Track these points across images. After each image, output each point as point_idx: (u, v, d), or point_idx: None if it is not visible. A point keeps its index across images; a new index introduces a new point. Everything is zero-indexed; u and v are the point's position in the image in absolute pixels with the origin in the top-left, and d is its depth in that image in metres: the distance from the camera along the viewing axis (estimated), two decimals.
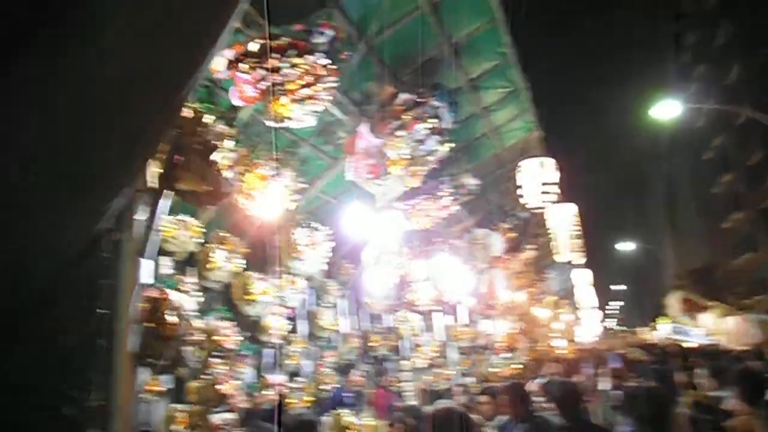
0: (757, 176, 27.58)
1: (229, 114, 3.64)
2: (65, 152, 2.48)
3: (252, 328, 6.22)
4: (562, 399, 3.65)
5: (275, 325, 6.23)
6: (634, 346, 13.99)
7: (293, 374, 6.96)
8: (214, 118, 3.09)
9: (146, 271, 2.91)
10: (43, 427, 2.49)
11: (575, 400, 3.66)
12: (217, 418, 4.06)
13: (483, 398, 4.82)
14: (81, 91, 2.43)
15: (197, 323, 4.02)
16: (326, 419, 5.93)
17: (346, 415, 5.67)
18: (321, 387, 7.29)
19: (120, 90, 2.48)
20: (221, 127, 3.18)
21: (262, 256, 6.80)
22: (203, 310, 5.56)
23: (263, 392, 5.99)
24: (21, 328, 2.56)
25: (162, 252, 5.17)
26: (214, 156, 2.97)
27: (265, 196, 5.13)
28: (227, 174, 3.13)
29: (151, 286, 3.68)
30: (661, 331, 24.03)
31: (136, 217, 2.88)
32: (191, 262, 5.62)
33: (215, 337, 4.59)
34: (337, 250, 8.53)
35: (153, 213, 2.90)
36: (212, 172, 2.95)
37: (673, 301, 23.25)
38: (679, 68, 38.27)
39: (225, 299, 6.05)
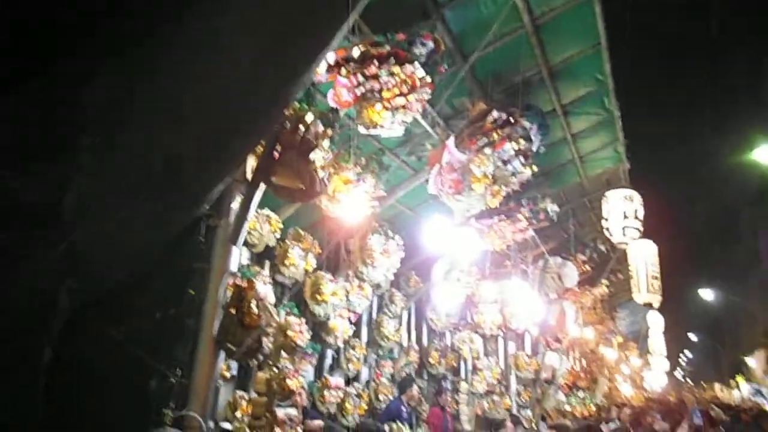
0: None
1: (328, 115, 3.72)
2: (167, 142, 2.62)
3: (318, 327, 6.30)
4: None
5: (340, 327, 6.28)
6: (709, 402, 12.95)
7: (352, 379, 6.98)
8: (313, 117, 3.17)
9: (235, 259, 3.01)
10: (125, 395, 2.62)
11: None
12: (282, 412, 4.12)
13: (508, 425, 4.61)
14: (197, 86, 2.57)
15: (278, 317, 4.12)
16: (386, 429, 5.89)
17: (406, 429, 5.59)
18: (379, 396, 7.27)
19: (232, 87, 2.60)
20: (321, 128, 3.26)
21: (336, 258, 6.90)
22: (274, 305, 5.72)
23: (323, 393, 6.05)
24: (118, 301, 2.72)
25: (244, 243, 5.38)
26: (312, 155, 3.04)
27: (347, 199, 5.20)
28: (321, 174, 3.19)
29: (236, 274, 3.83)
30: (741, 390, 22.12)
31: (232, 206, 2.99)
32: (268, 255, 5.79)
33: (289, 332, 4.68)
34: (407, 262, 8.54)
35: (248, 203, 3.00)
36: (308, 170, 3.02)
37: (756, 359, 21.38)
38: None
39: (295, 296, 6.18)
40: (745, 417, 7.46)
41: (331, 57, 4.31)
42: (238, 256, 3.14)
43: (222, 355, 2.86)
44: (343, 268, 6.51)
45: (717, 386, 30.55)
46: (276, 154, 3.03)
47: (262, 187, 3.11)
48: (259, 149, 3.09)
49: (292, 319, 4.90)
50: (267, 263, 5.84)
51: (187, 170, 2.67)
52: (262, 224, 5.38)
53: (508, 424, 6.41)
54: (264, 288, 3.02)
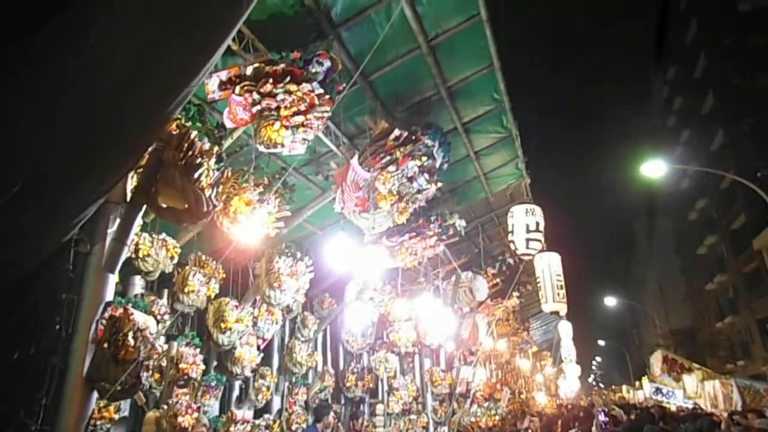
0: (741, 240, 27.91)
1: (215, 132, 3.57)
2: (37, 154, 2.38)
3: (223, 357, 5.98)
4: None
5: (247, 356, 6.00)
6: (616, 404, 13.73)
7: (261, 410, 6.67)
8: (197, 134, 3.01)
9: (111, 288, 2.76)
10: None
11: None
12: None
13: None
14: (69, 90, 2.36)
15: (161, 348, 3.82)
16: None
17: None
18: (292, 427, 7.00)
19: (105, 98, 2.41)
20: (206, 145, 3.10)
21: (243, 283, 6.63)
22: (174, 336, 5.37)
23: (230, 429, 5.71)
24: None
25: (135, 270, 5.01)
26: (197, 174, 2.87)
27: (249, 221, 5.02)
28: (209, 193, 3.03)
29: (114, 304, 3.53)
30: (644, 390, 23.68)
31: (109, 230, 2.75)
32: (165, 283, 5.45)
33: (181, 365, 4.37)
34: (320, 283, 8.38)
35: (127, 226, 2.77)
36: (193, 190, 2.85)
37: (655, 360, 23.03)
38: (668, 130, 39.29)
39: (197, 325, 5.85)
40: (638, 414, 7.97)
41: (223, 74, 4.19)
42: (114, 285, 2.87)
43: (94, 395, 2.58)
44: (250, 293, 6.25)
45: (624, 388, 32.61)
46: (159, 174, 2.83)
47: (143, 208, 2.89)
48: (139, 169, 2.88)
49: (185, 349, 4.60)
50: (165, 291, 5.50)
51: (54, 184, 2.42)
52: (157, 250, 5.06)
53: None
54: (143, 317, 2.78)
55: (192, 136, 2.95)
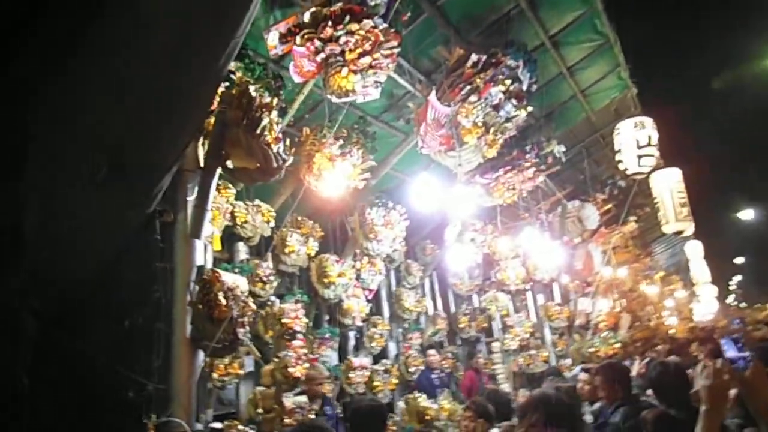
0: None
1: (273, 84, 3.47)
2: (106, 134, 2.42)
3: (332, 310, 6.16)
4: (664, 382, 3.15)
5: (356, 307, 6.12)
6: (759, 323, 12.47)
7: (378, 357, 6.85)
8: (255, 89, 2.93)
9: (200, 253, 2.83)
10: (105, 410, 2.49)
11: (680, 384, 3.14)
12: (290, 401, 4.00)
13: (582, 377, 4.37)
14: (114, 70, 2.35)
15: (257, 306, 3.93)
16: (401, 404, 5.74)
17: (422, 400, 5.42)
18: (410, 369, 7.14)
19: (154, 67, 2.38)
20: (266, 99, 3.02)
21: (338, 238, 6.73)
22: (281, 294, 5.59)
23: (349, 375, 5.93)
24: (81, 315, 2.57)
25: (236, 237, 5.23)
26: (260, 129, 2.81)
27: (334, 175, 4.98)
28: (276, 147, 2.97)
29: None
30: None
31: (188, 198, 2.79)
32: (268, 247, 5.65)
33: (284, 320, 4.53)
34: (419, 231, 8.30)
35: (205, 193, 2.79)
36: (260, 146, 2.80)
37: None
38: None
39: (304, 283, 6.04)
40: None
41: (282, 26, 4.06)
42: (204, 250, 2.96)
43: (199, 353, 2.71)
44: (348, 247, 6.32)
45: (762, 306, 29.64)
46: (224, 136, 2.81)
47: (217, 172, 2.90)
48: (208, 134, 2.88)
49: (286, 305, 4.75)
50: (268, 254, 5.71)
51: (131, 163, 2.48)
52: (254, 216, 5.23)
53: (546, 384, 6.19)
54: (232, 277, 2.84)
55: (250, 91, 2.88)
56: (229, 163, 2.93)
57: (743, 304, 46.18)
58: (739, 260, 44.09)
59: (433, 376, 7.05)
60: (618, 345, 7.54)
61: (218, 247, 4.64)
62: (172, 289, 2.67)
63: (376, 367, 6.33)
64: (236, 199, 5.04)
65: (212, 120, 2.92)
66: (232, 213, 4.94)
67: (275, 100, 3.20)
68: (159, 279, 2.63)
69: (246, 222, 5.08)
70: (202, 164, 2.90)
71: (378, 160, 6.20)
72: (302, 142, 5.20)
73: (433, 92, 5.17)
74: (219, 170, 2.93)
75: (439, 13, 5.19)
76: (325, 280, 5.64)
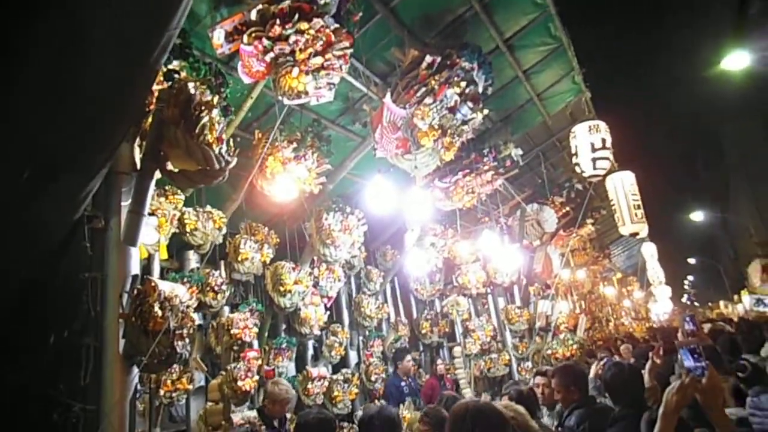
0: None
1: (214, 81, 3.32)
2: (29, 132, 2.22)
3: (289, 319, 5.98)
4: (618, 383, 3.13)
5: (314, 315, 5.95)
6: (713, 320, 12.90)
7: (339, 366, 6.69)
8: (194, 86, 2.77)
9: (136, 261, 2.64)
10: None
11: (634, 385, 3.13)
12: (239, 416, 3.81)
13: (538, 380, 4.32)
14: (45, 68, 2.17)
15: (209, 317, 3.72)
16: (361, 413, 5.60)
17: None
18: (371, 377, 7.00)
19: (86, 64, 2.20)
20: (207, 97, 2.86)
21: (296, 245, 6.55)
22: (236, 304, 5.38)
23: (307, 386, 5.75)
24: (9, 333, 2.35)
25: (186, 245, 5.01)
26: (198, 128, 2.65)
27: (287, 180, 4.83)
28: (219, 148, 2.81)
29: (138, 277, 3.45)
30: (744, 303, 22.24)
31: (123, 203, 2.60)
32: (220, 255, 5.44)
33: (233, 331, 4.33)
34: (379, 236, 8.21)
35: (141, 197, 2.61)
36: (200, 147, 2.63)
37: (754, 270, 21.41)
38: (750, 15, 35.09)
39: (259, 291, 5.85)
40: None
41: (228, 24, 3.90)
42: (138, 258, 2.76)
43: (134, 370, 2.51)
44: (305, 254, 6.15)
45: (722, 304, 30.82)
46: (162, 135, 2.63)
47: (155, 175, 2.72)
48: (145, 134, 2.70)
49: (235, 315, 4.56)
50: (221, 263, 5.50)
51: (59, 164, 2.28)
52: (204, 222, 5.02)
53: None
54: (170, 286, 2.65)
55: (189, 89, 2.72)
56: (169, 165, 2.75)
57: (696, 303, 47.99)
58: (692, 260, 45.80)
59: (402, 383, 6.91)
60: (575, 346, 7.61)
61: (165, 255, 4.43)
62: (103, 300, 2.47)
63: (335, 376, 6.17)
64: (185, 205, 4.83)
65: (149, 120, 2.75)
66: (180, 220, 4.72)
67: (216, 98, 3.03)
68: (88, 290, 2.43)
69: (196, 229, 4.87)
70: (138, 166, 2.72)
71: (335, 164, 6.09)
72: (254, 146, 5.04)
73: (388, 94, 5.10)
74: (157, 173, 2.75)
75: (392, 14, 5.12)
76: (281, 288, 5.46)
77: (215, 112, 2.81)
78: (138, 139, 2.77)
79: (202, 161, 2.63)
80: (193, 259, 5.08)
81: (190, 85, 2.73)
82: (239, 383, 4.01)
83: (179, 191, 4.75)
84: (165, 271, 4.82)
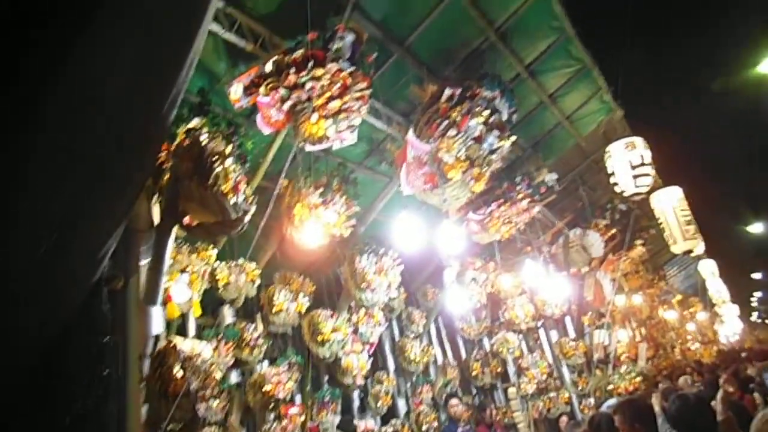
0: None
1: (226, 131, 3.31)
2: (44, 197, 2.21)
3: (331, 370, 5.80)
4: (685, 417, 2.80)
5: (355, 363, 5.76)
6: None
7: (387, 417, 6.41)
8: (208, 137, 2.76)
9: (158, 321, 2.57)
10: None
11: (702, 417, 2.79)
12: None
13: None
14: (60, 142, 2.18)
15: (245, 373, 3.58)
16: None
17: None
18: (422, 427, 6.66)
19: (99, 132, 2.20)
20: (218, 146, 2.84)
21: (333, 292, 6.44)
22: (274, 358, 5.26)
23: None
24: (24, 400, 2.28)
25: (220, 300, 4.97)
26: (212, 179, 2.61)
27: (317, 225, 4.77)
28: (234, 198, 2.76)
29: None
30: None
31: (142, 262, 2.56)
32: (255, 308, 5.37)
33: (265, 388, 4.18)
34: (418, 276, 8.01)
35: (159, 255, 2.56)
36: (214, 197, 2.59)
37: None
38: None
39: (298, 343, 5.72)
40: None
41: (245, 79, 3.96)
42: (160, 317, 2.70)
43: None
44: (342, 300, 6.02)
45: None
46: (178, 190, 2.61)
47: (173, 231, 2.69)
48: (161, 189, 2.68)
49: (266, 370, 4.42)
50: (258, 316, 5.42)
51: (75, 235, 2.26)
52: (237, 276, 4.99)
53: (563, 418, 5.73)
54: (192, 344, 2.56)
55: (200, 140, 2.71)
56: (187, 219, 2.72)
57: None
58: (757, 275, 43.05)
59: (459, 430, 6.51)
60: (638, 378, 7.02)
61: (199, 312, 4.38)
62: (123, 364, 2.39)
63: (384, 428, 5.89)
64: (217, 259, 4.82)
65: (166, 176, 2.75)
66: (212, 274, 4.70)
67: (229, 147, 3.02)
68: (108, 354, 2.36)
69: (228, 283, 4.84)
70: (155, 223, 2.69)
71: (364, 207, 6.02)
72: (281, 195, 5.04)
73: (411, 130, 5.03)
74: (176, 229, 2.72)
75: (408, 53, 5.12)
76: (319, 338, 5.32)
77: (229, 161, 2.78)
78: (155, 197, 2.77)
79: (217, 212, 2.58)
80: (228, 314, 5.02)
81: (203, 137, 2.72)
82: None
83: (210, 247, 4.75)
84: (201, 328, 4.77)
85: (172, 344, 2.45)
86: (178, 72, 2.32)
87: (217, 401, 4.24)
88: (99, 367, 2.32)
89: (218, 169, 2.64)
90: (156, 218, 2.74)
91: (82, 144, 2.18)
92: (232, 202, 2.69)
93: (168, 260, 2.67)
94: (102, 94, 2.14)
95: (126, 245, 2.54)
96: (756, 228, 31.05)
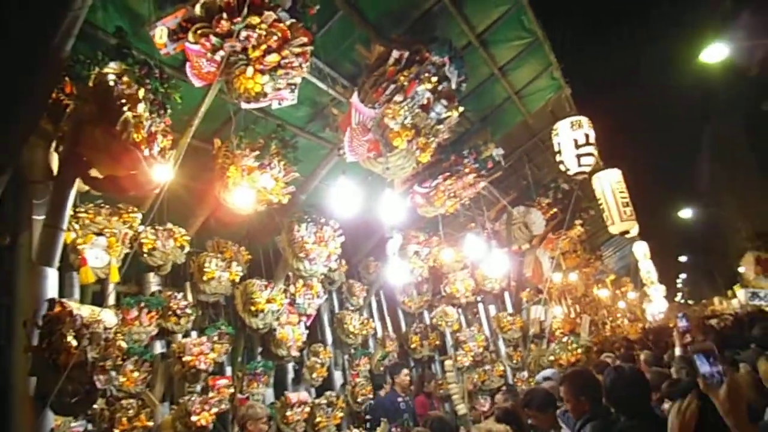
0: None
1: (136, 71, 2.96)
2: None
3: (264, 341, 5.58)
4: (619, 389, 2.79)
5: (291, 336, 5.56)
6: (708, 317, 12.63)
7: (322, 389, 6.28)
8: (114, 78, 2.43)
9: (53, 284, 2.26)
10: None
11: (637, 391, 2.80)
12: None
13: (527, 412, 3.84)
14: None
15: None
16: None
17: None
18: (358, 399, 6.58)
19: None
20: (128, 89, 2.51)
21: (272, 262, 6.18)
22: (202, 328, 4.99)
23: (286, 414, 5.33)
24: None
25: (146, 267, 4.63)
26: (120, 125, 2.30)
27: (248, 190, 4.48)
28: (149, 149, 2.45)
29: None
30: (739, 298, 22.05)
31: (35, 216, 2.23)
32: (184, 275, 5.06)
33: (185, 358, 3.93)
34: (360, 248, 7.85)
35: (58, 210, 2.24)
36: (124, 146, 2.29)
37: (747, 264, 21.23)
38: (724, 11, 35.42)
39: (231, 313, 5.46)
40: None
41: (170, 21, 3.57)
42: (55, 280, 2.39)
43: (48, 413, 2.13)
44: (279, 270, 5.78)
45: (716, 300, 30.68)
46: (81, 137, 2.28)
47: (75, 183, 2.36)
48: (61, 138, 2.34)
49: (187, 340, 4.17)
50: (187, 284, 5.11)
51: None
52: (164, 241, 4.65)
53: (499, 396, 5.79)
54: (90, 310, 2.29)
55: (107, 81, 2.38)
56: (93, 172, 2.40)
57: (690, 301, 47.93)
58: (683, 258, 45.79)
59: (399, 399, 6.43)
60: (580, 350, 7.18)
61: (116, 278, 4.02)
62: (9, 331, 2.09)
63: (318, 400, 5.76)
64: (141, 223, 4.45)
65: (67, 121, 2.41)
66: (136, 239, 4.34)
67: (142, 91, 2.69)
68: None
69: (154, 249, 4.50)
70: (55, 174, 2.36)
71: (306, 173, 5.76)
72: (214, 156, 4.71)
73: (355, 94, 4.79)
74: (79, 181, 2.40)
75: (354, 10, 4.82)
76: (252, 308, 5.07)
77: (141, 106, 2.46)
78: (55, 144, 2.43)
79: (127, 164, 2.28)
80: (153, 282, 4.69)
81: (110, 76, 2.39)
82: (193, 418, 3.60)
83: (134, 209, 4.38)
84: (122, 295, 4.43)
85: (67, 309, 2.16)
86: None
87: (137, 373, 4.00)
88: None
89: (127, 114, 2.33)
90: (55, 168, 2.41)
91: None
92: (146, 153, 2.38)
93: (67, 216, 2.36)
94: None
95: (16, 198, 2.21)
96: (685, 213, 32.86)
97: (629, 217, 9.82)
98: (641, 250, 18.57)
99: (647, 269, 19.12)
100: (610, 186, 9.96)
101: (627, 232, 10.24)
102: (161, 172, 2.53)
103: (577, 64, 7.77)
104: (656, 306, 23.84)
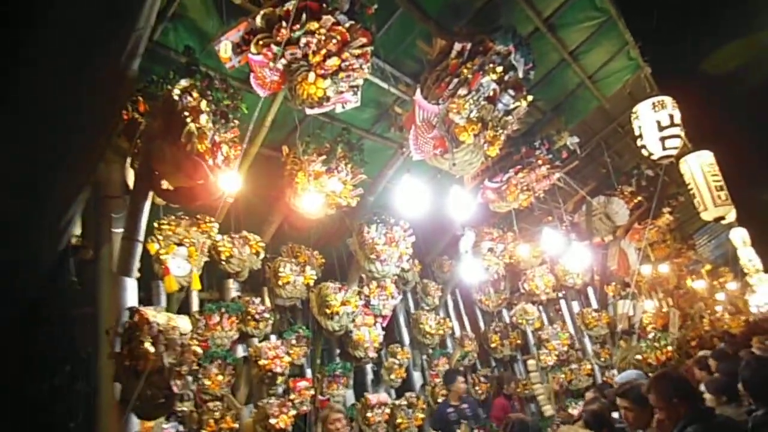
0: None
1: (200, 84, 3.04)
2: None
3: (342, 343, 5.63)
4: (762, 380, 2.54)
5: (367, 337, 5.57)
6: None
7: (402, 390, 6.24)
8: (179, 92, 2.51)
9: (132, 293, 2.37)
10: None
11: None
12: None
13: (621, 402, 3.57)
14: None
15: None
16: None
17: None
18: (438, 399, 6.49)
19: (53, 78, 1.97)
20: (191, 101, 2.58)
21: (345, 265, 6.23)
22: (281, 332, 5.11)
23: (367, 415, 5.34)
24: None
25: (225, 274, 4.80)
26: (183, 137, 2.37)
27: (317, 195, 4.53)
28: (213, 159, 2.52)
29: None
30: None
31: (114, 229, 2.35)
32: (261, 281, 5.21)
33: (261, 362, 4.01)
34: (434, 247, 7.75)
35: (134, 222, 2.35)
36: (188, 158, 2.35)
37: None
38: None
39: (308, 316, 5.55)
40: None
41: (233, 35, 3.68)
42: (135, 289, 2.51)
43: (132, 418, 2.23)
44: (352, 272, 5.82)
45: None
46: (152, 152, 2.38)
47: (149, 197, 2.47)
48: (135, 154, 2.45)
49: (263, 344, 4.26)
50: (264, 289, 5.26)
51: (33, 195, 2.06)
52: (240, 249, 4.80)
53: (588, 393, 5.49)
54: (167, 317, 2.37)
55: (172, 96, 2.46)
56: (164, 184, 2.50)
57: None
58: None
59: (449, 410, 6.10)
60: (671, 348, 6.59)
61: (198, 286, 4.21)
62: (95, 339, 2.22)
63: (398, 402, 5.72)
64: (218, 232, 4.63)
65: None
66: (214, 248, 4.52)
67: (204, 102, 2.77)
68: (78, 329, 2.18)
69: (231, 256, 4.65)
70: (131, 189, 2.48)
71: (373, 175, 5.76)
72: (283, 163, 4.81)
73: (418, 91, 4.71)
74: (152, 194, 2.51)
75: (414, 6, 4.74)
76: (328, 311, 5.13)
77: (203, 118, 2.53)
78: (130, 160, 2.56)
79: (193, 174, 2.35)
80: (233, 288, 4.86)
81: (175, 91, 2.48)
82: (272, 420, 3.67)
83: (212, 219, 4.56)
84: (204, 302, 4.62)
85: (144, 316, 2.26)
86: (135, 17, 2.06)
87: (222, 376, 4.16)
88: (68, 343, 2.14)
89: (190, 126, 2.40)
90: (131, 183, 2.53)
91: (26, 93, 1.96)
92: (210, 163, 2.45)
93: (143, 228, 2.47)
94: (45, 35, 1.90)
95: (96, 213, 2.35)
96: None
97: (724, 201, 8.99)
98: (740, 237, 17.00)
99: (748, 257, 17.47)
100: (700, 169, 9.17)
101: (722, 217, 9.40)
102: (227, 181, 2.60)
103: (657, 40, 7.21)
104: (761, 297, 21.81)
